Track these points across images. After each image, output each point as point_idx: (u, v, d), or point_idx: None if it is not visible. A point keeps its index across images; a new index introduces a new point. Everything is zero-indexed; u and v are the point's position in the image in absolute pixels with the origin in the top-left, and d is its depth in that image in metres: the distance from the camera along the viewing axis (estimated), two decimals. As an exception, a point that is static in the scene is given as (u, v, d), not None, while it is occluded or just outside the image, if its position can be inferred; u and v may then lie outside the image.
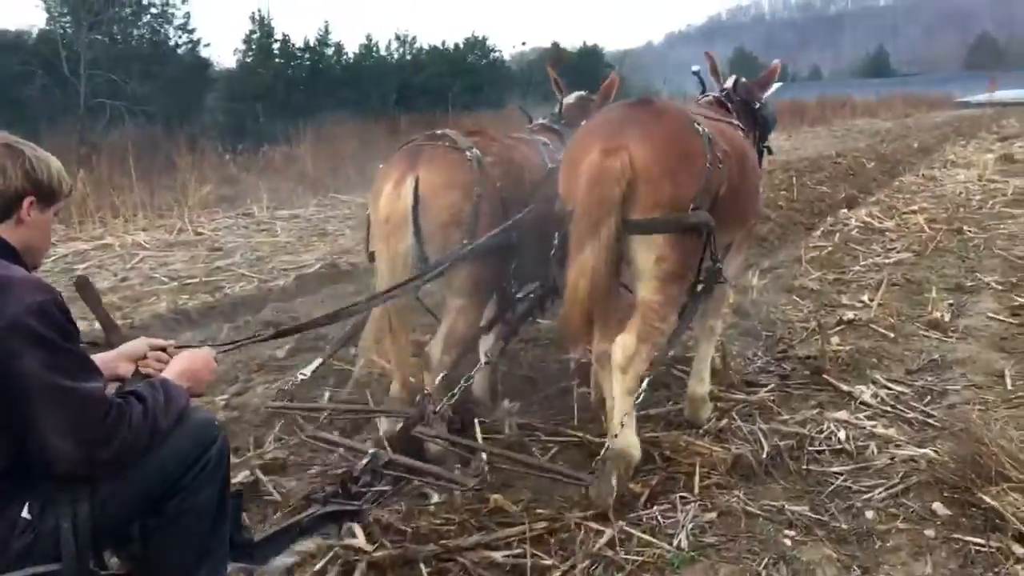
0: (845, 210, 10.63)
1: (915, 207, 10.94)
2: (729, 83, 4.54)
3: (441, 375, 3.70)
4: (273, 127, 29.26)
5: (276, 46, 57.68)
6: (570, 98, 5.13)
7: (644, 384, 3.38)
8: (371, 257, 3.85)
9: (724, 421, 4.04)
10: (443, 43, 64.93)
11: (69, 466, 1.99)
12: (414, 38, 65.80)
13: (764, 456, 3.56)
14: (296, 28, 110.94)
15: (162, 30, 39.58)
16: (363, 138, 22.61)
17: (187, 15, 38.08)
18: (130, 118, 26.49)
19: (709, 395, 4.11)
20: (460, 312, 3.77)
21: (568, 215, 3.34)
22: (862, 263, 7.74)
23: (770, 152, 4.94)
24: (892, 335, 5.43)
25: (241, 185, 16.07)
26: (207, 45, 43.60)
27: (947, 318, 5.77)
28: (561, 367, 4.87)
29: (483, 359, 4.05)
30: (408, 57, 66.39)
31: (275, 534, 2.85)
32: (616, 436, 3.27)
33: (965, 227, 9.27)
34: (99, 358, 2.32)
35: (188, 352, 2.46)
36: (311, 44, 59.99)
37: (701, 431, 3.91)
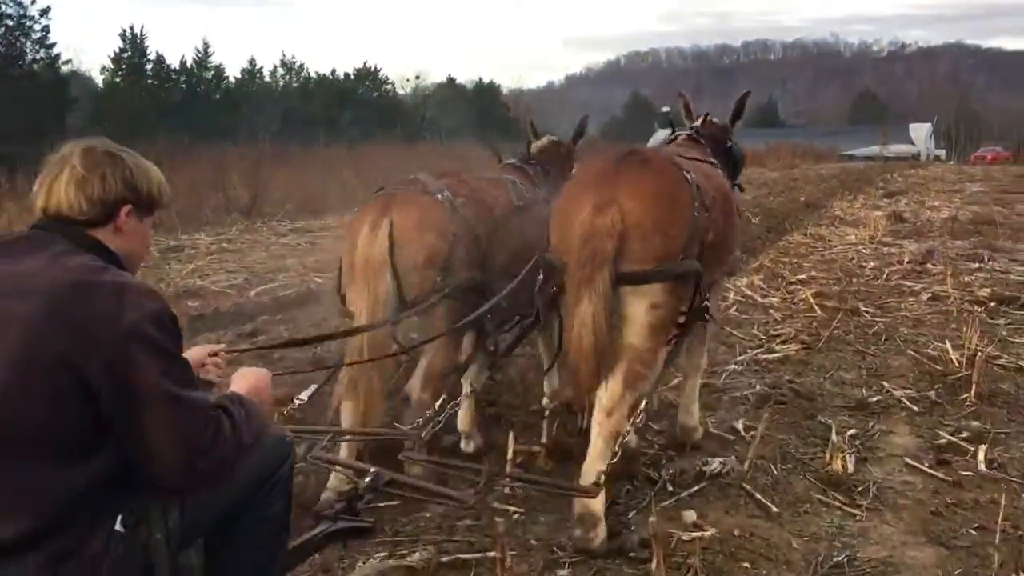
0: (725, 278, 9.00)
1: (803, 275, 9.44)
2: (698, 121, 4.54)
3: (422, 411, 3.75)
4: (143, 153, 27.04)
5: (149, 66, 54.29)
6: (542, 141, 5.17)
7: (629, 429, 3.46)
8: (342, 299, 3.89)
9: None
10: (333, 72, 63.33)
11: (172, 476, 1.93)
12: (301, 65, 63.30)
13: None
14: (173, 47, 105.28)
15: (17, 44, 36.26)
16: (216, 168, 20.27)
17: (46, 28, 34.90)
18: (-26, 137, 23.69)
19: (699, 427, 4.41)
20: (438, 349, 3.83)
21: (562, 266, 3.41)
22: (739, 358, 6.02)
23: (741, 190, 4.77)
24: (775, 507, 3.60)
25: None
26: (67, 62, 40.08)
27: (851, 467, 4.02)
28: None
29: (467, 389, 4.15)
30: (295, 85, 63.95)
31: (290, 551, 2.56)
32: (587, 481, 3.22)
33: (862, 306, 7.73)
34: None
35: (249, 370, 2.43)
36: (188, 65, 56.89)
37: None
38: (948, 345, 5.96)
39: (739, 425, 4.55)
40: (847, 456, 4.12)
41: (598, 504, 3.24)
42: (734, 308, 7.64)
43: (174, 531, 1.99)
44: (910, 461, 4.13)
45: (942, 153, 63.85)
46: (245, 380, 2.34)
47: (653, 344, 3.37)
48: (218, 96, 55.38)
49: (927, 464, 4.10)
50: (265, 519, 2.22)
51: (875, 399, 5.09)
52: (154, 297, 1.96)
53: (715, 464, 3.86)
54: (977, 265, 10.20)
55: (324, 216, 16.74)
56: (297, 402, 3.96)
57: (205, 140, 38.21)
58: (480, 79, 68.20)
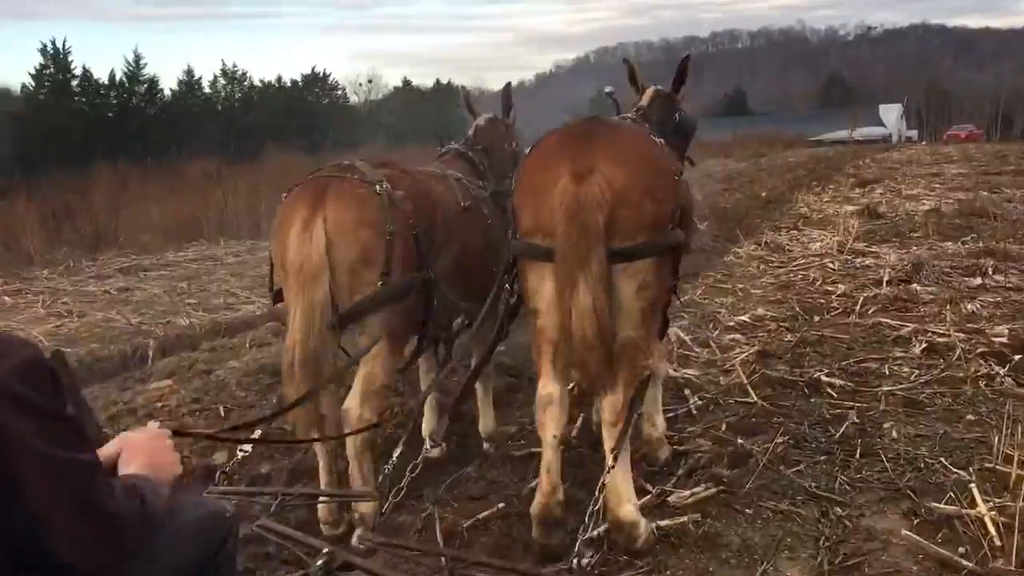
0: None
1: (746, 315, 6.75)
2: (646, 99, 4.09)
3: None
4: (67, 173, 24.80)
5: (75, 82, 50.96)
6: (480, 120, 4.73)
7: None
8: (276, 297, 3.51)
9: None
10: (279, 79, 60.09)
11: (78, 552, 1.55)
12: (244, 73, 59.99)
13: None
14: (102, 60, 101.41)
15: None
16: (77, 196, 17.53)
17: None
18: None
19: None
20: (377, 359, 3.38)
21: (542, 252, 3.02)
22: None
23: (691, 164, 4.31)
24: None
25: None
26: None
27: None
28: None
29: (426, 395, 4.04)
30: (237, 95, 60.76)
31: None
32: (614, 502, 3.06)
33: (824, 376, 5.03)
34: None
35: (136, 436, 1.96)
36: (118, 80, 53.61)
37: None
38: (975, 491, 3.26)
39: None
40: None
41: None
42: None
43: None
44: None
45: (914, 134, 61.96)
46: (133, 454, 1.89)
47: (647, 331, 3.10)
48: (153, 111, 52.10)
49: None
50: None
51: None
52: (21, 345, 1.61)
53: None
54: (979, 281, 7.60)
55: (193, 245, 14.03)
56: (240, 454, 3.33)
57: (134, 158, 35.50)
58: (438, 81, 65.24)
